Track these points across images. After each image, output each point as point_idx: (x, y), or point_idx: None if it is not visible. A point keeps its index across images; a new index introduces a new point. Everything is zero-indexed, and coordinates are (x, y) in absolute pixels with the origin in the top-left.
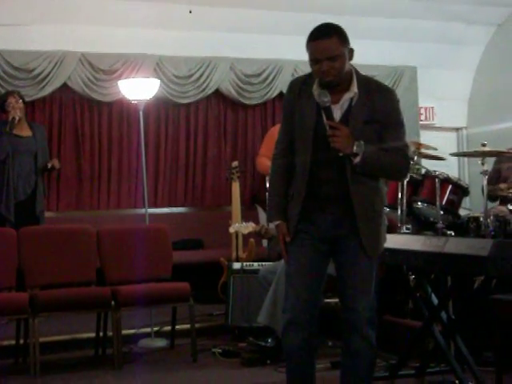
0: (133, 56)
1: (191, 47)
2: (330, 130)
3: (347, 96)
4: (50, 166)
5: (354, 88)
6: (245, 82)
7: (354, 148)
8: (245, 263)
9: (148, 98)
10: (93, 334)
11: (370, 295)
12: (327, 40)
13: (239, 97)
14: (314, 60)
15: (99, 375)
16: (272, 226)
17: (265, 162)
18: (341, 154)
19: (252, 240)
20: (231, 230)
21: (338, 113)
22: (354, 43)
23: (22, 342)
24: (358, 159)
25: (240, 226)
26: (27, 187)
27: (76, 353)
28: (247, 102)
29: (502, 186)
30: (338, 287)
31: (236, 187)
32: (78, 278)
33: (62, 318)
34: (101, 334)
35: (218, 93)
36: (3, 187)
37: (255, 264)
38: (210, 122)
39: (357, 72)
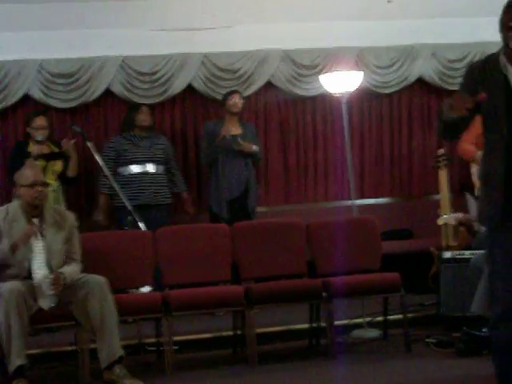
0: (333, 49)
1: (391, 36)
2: None
3: None
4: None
5: None
6: (448, 68)
7: None
8: (456, 252)
9: (350, 91)
10: (306, 325)
11: None
12: None
13: (442, 83)
14: None
15: (314, 365)
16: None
17: (464, 146)
18: None
19: (462, 228)
20: (439, 221)
21: None
22: None
23: (239, 332)
24: None
25: (448, 218)
26: (241, 185)
27: (290, 343)
28: (451, 88)
29: None
30: None
31: (443, 175)
32: (289, 271)
33: (276, 309)
34: (314, 324)
35: (421, 81)
36: (214, 186)
37: (466, 252)
38: (413, 110)
39: None
